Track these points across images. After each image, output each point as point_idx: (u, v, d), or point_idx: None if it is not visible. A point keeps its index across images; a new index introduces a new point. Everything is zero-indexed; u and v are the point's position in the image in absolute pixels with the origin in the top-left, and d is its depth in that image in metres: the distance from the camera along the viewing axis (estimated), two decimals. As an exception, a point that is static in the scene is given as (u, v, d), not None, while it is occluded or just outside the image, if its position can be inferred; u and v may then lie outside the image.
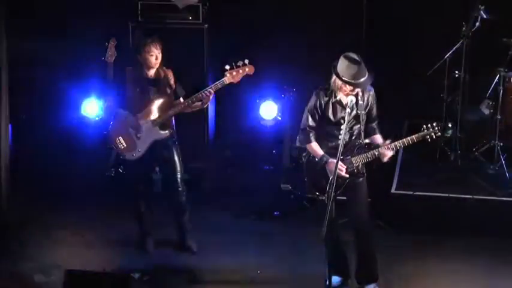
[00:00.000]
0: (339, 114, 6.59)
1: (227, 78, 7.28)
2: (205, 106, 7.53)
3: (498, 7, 8.31)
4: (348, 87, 6.49)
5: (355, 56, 6.49)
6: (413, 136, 6.59)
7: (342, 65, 6.48)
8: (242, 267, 7.37)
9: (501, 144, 8.44)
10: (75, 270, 6.69)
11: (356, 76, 6.45)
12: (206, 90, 7.31)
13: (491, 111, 8.56)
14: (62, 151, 9.25)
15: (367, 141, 6.73)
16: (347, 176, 6.61)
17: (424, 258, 7.56)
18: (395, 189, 8.24)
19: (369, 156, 6.63)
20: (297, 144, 6.86)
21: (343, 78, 6.46)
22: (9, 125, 8.11)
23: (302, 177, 8.18)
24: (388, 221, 8.08)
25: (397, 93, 9.04)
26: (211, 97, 7.36)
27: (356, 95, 6.55)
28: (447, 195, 8.05)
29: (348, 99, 6.50)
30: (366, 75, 6.49)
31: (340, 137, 6.47)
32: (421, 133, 6.60)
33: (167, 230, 7.76)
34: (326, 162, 6.60)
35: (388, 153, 6.59)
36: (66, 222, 8.23)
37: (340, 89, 6.54)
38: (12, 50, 8.05)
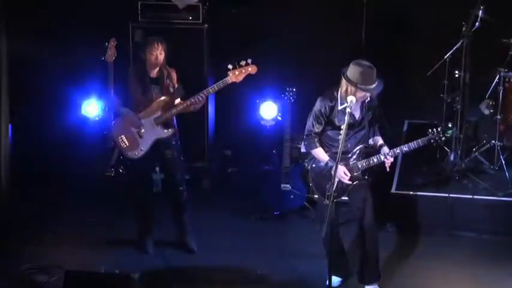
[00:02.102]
0: (345, 120, 6.58)
1: (230, 78, 7.28)
2: (203, 104, 7.54)
3: (498, 7, 8.30)
4: (361, 93, 6.50)
5: (366, 62, 6.52)
6: (419, 140, 6.61)
7: (354, 71, 6.48)
8: (242, 267, 7.37)
9: (501, 144, 8.43)
10: (75, 270, 6.70)
11: (368, 81, 6.46)
12: (208, 89, 7.31)
13: (491, 111, 8.55)
14: (62, 151, 9.25)
15: (371, 142, 6.74)
16: (351, 182, 6.63)
17: (424, 258, 7.57)
18: (395, 189, 8.24)
19: (375, 160, 6.64)
20: (302, 150, 6.89)
21: (357, 84, 6.46)
22: (9, 125, 8.11)
23: (303, 180, 8.26)
24: (388, 221, 8.09)
25: (397, 93, 9.01)
26: (203, 101, 7.34)
27: (362, 101, 6.58)
28: (447, 195, 8.04)
29: (348, 99, 6.50)
30: (377, 81, 6.51)
31: (343, 140, 6.46)
32: (427, 137, 6.62)
33: (167, 230, 7.77)
34: (332, 167, 6.60)
35: (389, 162, 6.61)
36: (66, 222, 8.23)
37: (352, 95, 6.52)
38: (12, 50, 8.05)
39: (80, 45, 9.25)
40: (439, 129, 6.62)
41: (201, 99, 7.30)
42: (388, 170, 6.67)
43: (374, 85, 6.50)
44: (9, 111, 7.77)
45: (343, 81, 6.54)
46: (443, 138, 6.62)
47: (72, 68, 9.33)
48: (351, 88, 6.49)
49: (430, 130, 6.65)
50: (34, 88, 9.40)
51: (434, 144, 6.67)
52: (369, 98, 6.63)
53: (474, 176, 8.32)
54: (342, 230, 6.97)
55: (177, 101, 7.44)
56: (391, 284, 7.10)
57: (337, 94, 6.63)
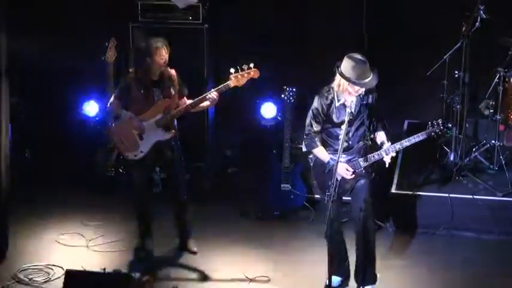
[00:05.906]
0: (343, 117, 6.58)
1: (232, 82, 7.26)
2: (209, 107, 7.51)
3: (498, 7, 8.30)
4: (354, 88, 6.49)
5: (359, 56, 6.50)
6: (419, 134, 6.59)
7: (347, 65, 6.48)
8: (242, 267, 7.37)
9: (501, 144, 8.44)
10: (75, 270, 6.70)
11: (361, 76, 6.46)
12: (210, 93, 7.28)
13: (491, 111, 8.55)
14: (62, 151, 9.25)
15: (376, 138, 6.72)
16: (353, 177, 6.62)
17: (424, 258, 7.56)
18: (395, 189, 8.24)
19: (376, 157, 6.63)
20: (304, 149, 6.86)
21: (350, 79, 6.46)
22: (9, 125, 8.11)
23: (303, 180, 8.26)
24: (388, 220, 8.09)
25: (397, 93, 9.03)
26: (217, 99, 7.32)
27: (358, 96, 6.57)
28: (447, 195, 8.05)
29: (349, 100, 6.50)
30: (371, 75, 6.50)
31: (343, 137, 6.45)
32: (426, 130, 6.61)
33: (167, 230, 7.76)
34: (333, 165, 6.58)
35: (388, 159, 6.60)
36: (66, 222, 8.23)
37: (345, 90, 6.53)
38: (12, 50, 8.04)
39: (80, 45, 9.24)
40: (439, 121, 6.61)
41: (213, 97, 7.26)
42: (387, 166, 6.65)
43: (367, 79, 6.49)
44: (9, 111, 7.78)
45: (337, 76, 6.54)
46: (444, 130, 6.60)
47: (72, 68, 9.33)
48: (344, 82, 6.49)
49: (430, 123, 6.64)
50: (34, 88, 9.40)
51: (435, 136, 6.64)
52: (363, 93, 6.61)
53: (474, 176, 8.33)
54: (343, 230, 6.96)
55: (181, 102, 7.41)
56: (391, 284, 7.09)
57: (333, 90, 6.63)
